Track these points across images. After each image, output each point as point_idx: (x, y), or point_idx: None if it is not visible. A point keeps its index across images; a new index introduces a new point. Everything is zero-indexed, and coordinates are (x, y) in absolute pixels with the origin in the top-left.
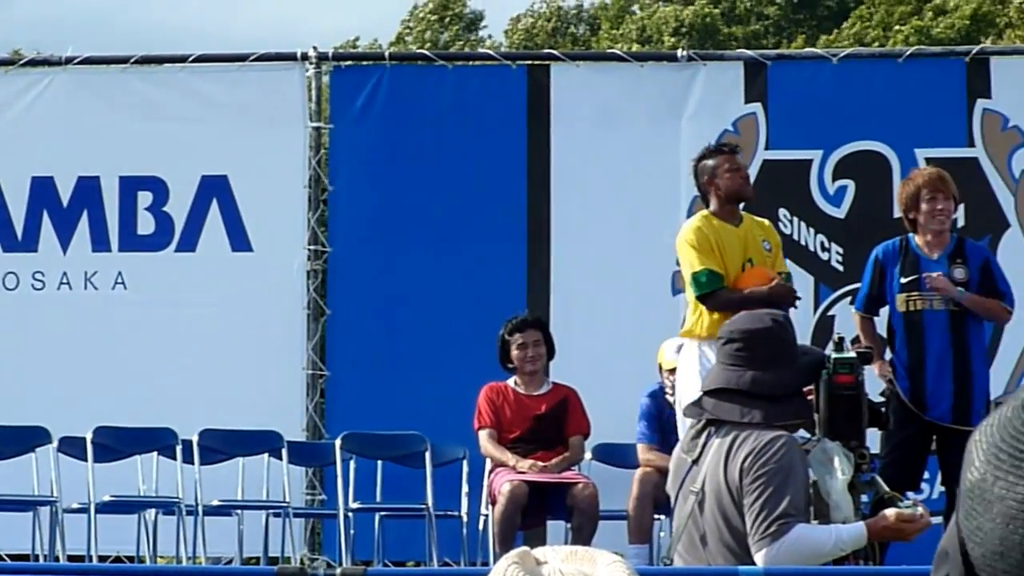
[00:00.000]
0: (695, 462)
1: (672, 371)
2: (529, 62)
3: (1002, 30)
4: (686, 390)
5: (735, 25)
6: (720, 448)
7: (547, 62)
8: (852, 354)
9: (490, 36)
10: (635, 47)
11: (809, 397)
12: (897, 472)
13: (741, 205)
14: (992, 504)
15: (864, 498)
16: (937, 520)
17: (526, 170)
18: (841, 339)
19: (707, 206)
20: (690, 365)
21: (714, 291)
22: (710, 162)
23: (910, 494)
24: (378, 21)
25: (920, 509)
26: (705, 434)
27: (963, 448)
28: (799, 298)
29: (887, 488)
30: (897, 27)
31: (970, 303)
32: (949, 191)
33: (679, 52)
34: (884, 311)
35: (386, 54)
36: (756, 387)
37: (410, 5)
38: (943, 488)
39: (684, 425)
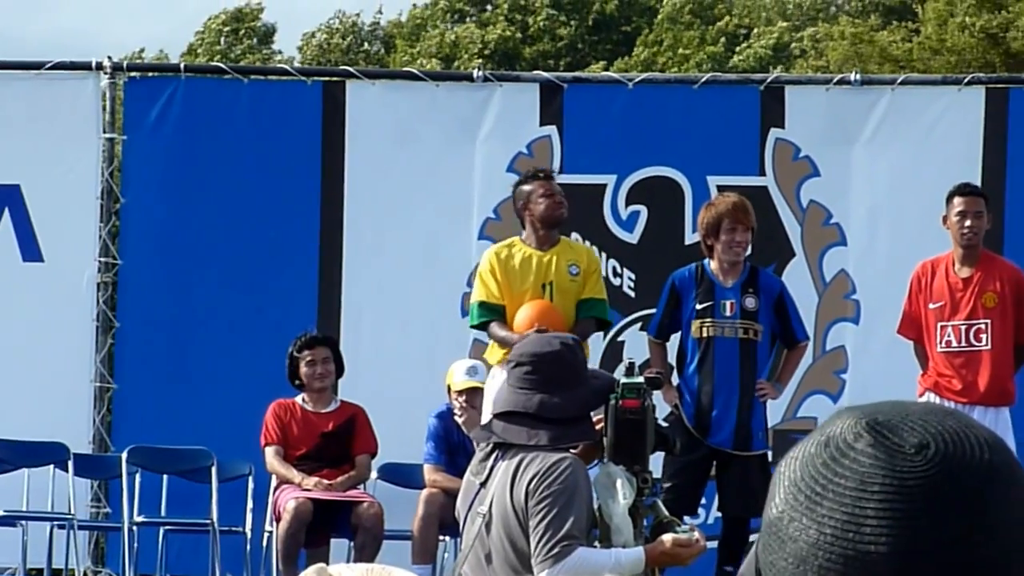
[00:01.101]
0: (483, 484)
1: (461, 392)
2: (325, 78)
3: (795, 58)
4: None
5: (528, 45)
6: (507, 470)
7: (343, 79)
8: (640, 379)
9: (280, 52)
10: (435, 65)
11: (599, 424)
12: (678, 496)
13: (556, 228)
14: (785, 543)
15: (645, 522)
16: (713, 544)
17: (320, 187)
18: (632, 364)
19: (524, 228)
20: (486, 389)
21: (482, 323)
22: (526, 187)
23: (687, 518)
24: (170, 33)
25: (696, 534)
26: (493, 456)
27: (742, 473)
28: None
29: (667, 513)
30: (683, 51)
31: (786, 382)
32: (749, 222)
33: (475, 72)
34: (675, 337)
35: (181, 66)
36: (543, 410)
37: (203, 17)
38: (719, 513)
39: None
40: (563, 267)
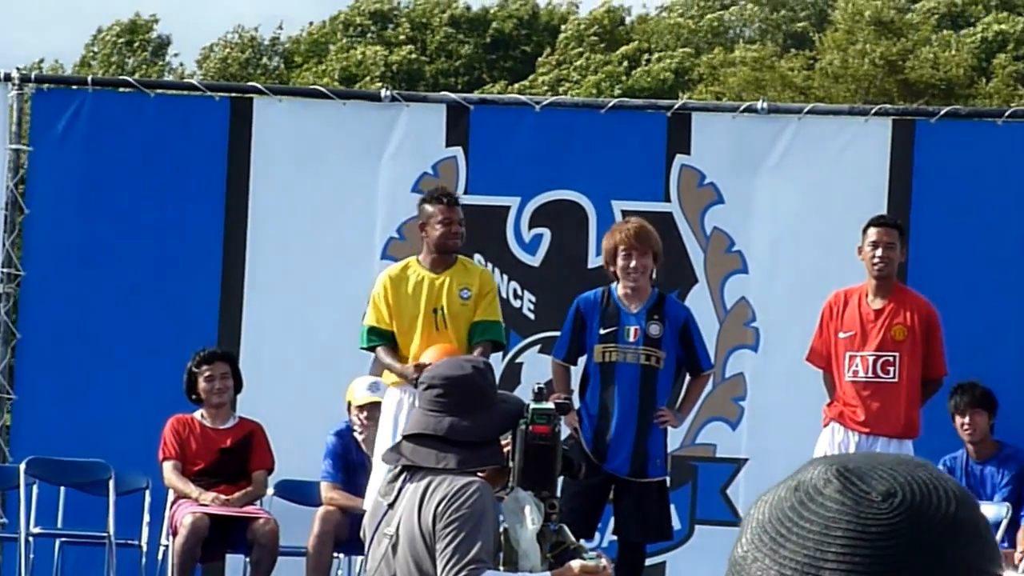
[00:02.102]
0: (391, 506)
1: (361, 408)
2: (232, 94)
3: (695, 83)
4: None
5: (428, 63)
6: (415, 493)
7: (250, 95)
8: (551, 405)
9: (181, 64)
10: (336, 85)
11: (507, 448)
12: (575, 520)
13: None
14: None
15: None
16: None
17: (224, 202)
18: (541, 389)
19: (423, 247)
20: (383, 408)
21: (371, 347)
22: (428, 207)
23: (583, 541)
24: (66, 43)
25: (603, 561)
26: (402, 478)
27: (639, 499)
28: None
29: (574, 539)
30: (590, 76)
31: (688, 413)
32: (647, 248)
33: (382, 92)
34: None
35: (89, 79)
36: (453, 433)
37: (93, 28)
38: (615, 537)
39: (380, 468)
40: (454, 291)
